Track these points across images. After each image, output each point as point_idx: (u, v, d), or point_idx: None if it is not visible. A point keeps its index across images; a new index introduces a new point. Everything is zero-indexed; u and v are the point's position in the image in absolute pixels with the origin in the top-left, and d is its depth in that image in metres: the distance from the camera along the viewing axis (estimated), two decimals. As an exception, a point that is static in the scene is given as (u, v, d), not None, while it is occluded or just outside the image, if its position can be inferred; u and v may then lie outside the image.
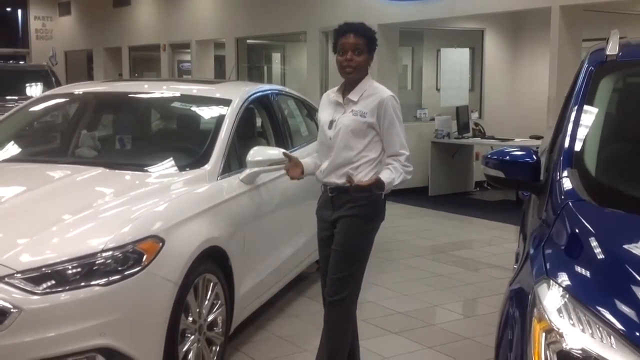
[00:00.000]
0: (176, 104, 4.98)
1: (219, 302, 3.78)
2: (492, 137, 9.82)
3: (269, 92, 5.22)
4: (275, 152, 4.31)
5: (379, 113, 3.37)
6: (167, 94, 5.05)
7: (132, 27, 15.86)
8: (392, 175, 3.34)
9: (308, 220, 5.30)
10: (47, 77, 13.63)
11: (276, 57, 15.40)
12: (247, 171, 4.20)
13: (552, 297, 1.90)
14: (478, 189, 10.48)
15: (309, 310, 5.07)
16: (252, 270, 4.22)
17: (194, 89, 5.07)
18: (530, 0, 7.83)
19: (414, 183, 8.34)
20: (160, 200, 3.55)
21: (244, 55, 13.07)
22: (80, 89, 5.33)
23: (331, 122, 3.45)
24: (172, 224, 3.43)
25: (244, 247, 4.08)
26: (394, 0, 9.33)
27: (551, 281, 1.93)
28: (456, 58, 10.51)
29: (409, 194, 8.87)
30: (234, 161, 4.29)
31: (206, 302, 3.65)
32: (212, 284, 3.70)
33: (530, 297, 1.98)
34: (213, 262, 3.70)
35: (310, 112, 6.06)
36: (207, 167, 4.00)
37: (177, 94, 4.96)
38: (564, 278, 1.94)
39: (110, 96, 5.11)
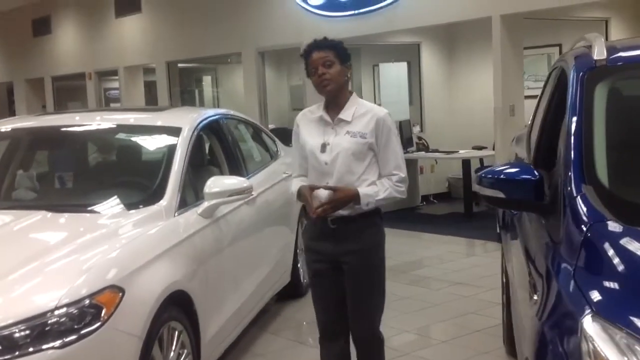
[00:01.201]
0: (120, 135, 4.61)
1: (185, 351, 3.43)
2: (437, 150, 9.74)
3: (218, 117, 4.91)
4: (233, 182, 4.01)
5: (377, 132, 3.22)
6: (107, 125, 4.67)
7: (54, 56, 15.21)
8: (375, 189, 3.19)
9: (268, 250, 5.03)
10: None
11: (207, 79, 15.04)
12: (206, 204, 3.88)
13: (606, 334, 1.67)
14: (424, 203, 10.35)
15: (272, 347, 4.77)
16: (217, 311, 3.88)
17: (140, 118, 4.72)
18: (470, 11, 7.75)
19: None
20: (115, 245, 3.18)
21: (175, 79, 12.66)
22: (6, 125, 4.88)
23: (323, 146, 3.22)
24: (131, 270, 3.07)
25: (208, 287, 3.74)
26: (331, 17, 9.14)
27: (601, 317, 1.70)
28: (394, 72, 10.39)
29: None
30: (190, 194, 3.96)
31: (172, 353, 3.29)
32: (177, 332, 3.34)
33: (578, 335, 1.73)
34: (177, 308, 3.35)
35: (259, 135, 5.77)
36: (162, 202, 3.66)
37: (123, 124, 4.58)
38: (614, 312, 1.72)
39: (44, 131, 4.68)
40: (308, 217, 3.35)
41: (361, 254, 3.23)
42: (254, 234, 4.60)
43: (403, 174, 3.26)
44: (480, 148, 9.90)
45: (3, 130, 4.78)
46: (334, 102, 3.25)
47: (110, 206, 3.62)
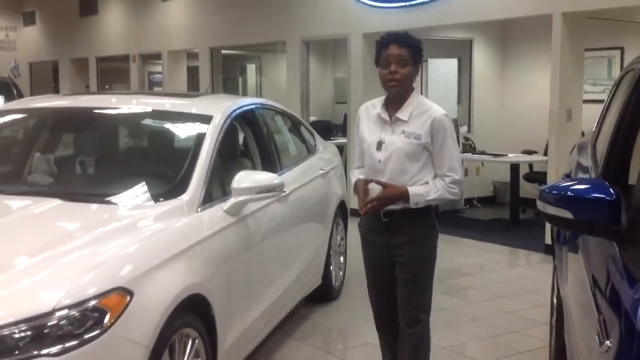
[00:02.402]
0: (148, 121, 4.32)
1: (199, 360, 3.13)
2: (484, 153, 9.30)
3: (254, 106, 4.59)
4: (264, 178, 3.69)
5: (432, 133, 3.19)
6: (138, 109, 4.40)
7: (100, 37, 15.11)
8: (426, 189, 3.19)
9: (300, 250, 4.71)
10: (8, 90, 12.88)
11: (251, 68, 14.78)
12: (232, 200, 3.57)
13: None
14: (467, 206, 9.93)
15: (297, 356, 4.46)
16: (238, 317, 3.57)
17: (169, 104, 4.43)
18: (529, 7, 7.30)
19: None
20: (128, 241, 2.89)
21: (218, 66, 12.40)
22: (37, 103, 4.67)
23: (379, 143, 3.24)
24: (143, 271, 2.78)
25: (229, 291, 3.44)
26: (380, 8, 8.76)
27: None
28: (444, 69, 9.98)
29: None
30: (217, 188, 3.66)
31: (184, 363, 3.00)
32: (190, 339, 3.04)
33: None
34: (192, 313, 3.05)
35: (297, 128, 5.44)
36: (185, 196, 3.36)
37: (150, 110, 4.29)
38: None
39: (71, 112, 4.42)
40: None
41: (411, 245, 3.26)
42: (284, 233, 4.28)
43: (457, 176, 3.24)
44: (530, 152, 9.44)
45: (32, 108, 4.55)
46: (395, 100, 3.24)
47: (129, 198, 3.34)
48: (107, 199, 3.33)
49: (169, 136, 4.17)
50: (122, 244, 2.86)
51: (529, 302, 5.58)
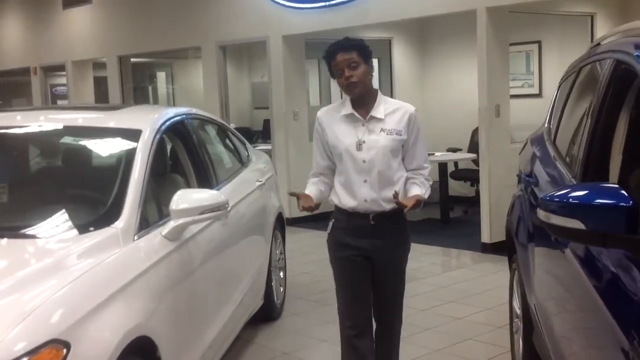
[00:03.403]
0: (67, 140, 3.86)
1: (147, 409, 2.74)
2: (410, 153, 9.14)
3: (183, 117, 4.20)
4: (206, 196, 3.32)
5: (409, 128, 3.30)
6: (52, 126, 3.92)
7: (-3, 49, 14.20)
8: (422, 191, 3.29)
9: (243, 271, 4.35)
10: None
11: (161, 76, 14.23)
12: (172, 224, 3.18)
13: None
14: (417, 210, 9.74)
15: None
16: (186, 352, 3.19)
17: (90, 118, 3.99)
18: (453, 3, 7.17)
19: (327, 207, 7.52)
20: (57, 283, 2.46)
21: (127, 75, 11.79)
22: None
23: (359, 144, 3.25)
24: (79, 318, 2.37)
25: (175, 326, 3.06)
26: (299, 9, 8.47)
27: None
28: (364, 69, 9.78)
29: (322, 220, 8.00)
30: (152, 211, 3.27)
31: (129, 416, 2.60)
32: (137, 386, 2.65)
33: None
34: (137, 357, 2.66)
35: (229, 137, 5.07)
36: (119, 223, 2.95)
37: (68, 126, 3.82)
38: None
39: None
40: (339, 212, 3.36)
41: (395, 247, 3.36)
42: (226, 254, 3.93)
43: (430, 166, 3.43)
44: (454, 150, 9.38)
45: None
46: (361, 101, 3.27)
47: (52, 229, 2.90)
48: (27, 232, 2.89)
49: (94, 155, 3.73)
50: (51, 287, 2.44)
51: (477, 306, 5.41)
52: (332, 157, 3.35)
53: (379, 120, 3.24)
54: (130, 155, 3.35)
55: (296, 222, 8.19)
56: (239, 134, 5.33)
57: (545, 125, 3.93)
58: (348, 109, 3.27)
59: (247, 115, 12.38)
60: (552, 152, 3.35)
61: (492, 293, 5.72)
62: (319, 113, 3.40)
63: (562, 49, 8.87)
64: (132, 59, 11.82)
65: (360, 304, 3.40)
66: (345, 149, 3.25)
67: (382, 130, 3.23)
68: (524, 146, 4.23)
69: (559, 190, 1.99)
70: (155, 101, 13.83)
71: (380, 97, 3.30)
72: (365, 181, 3.23)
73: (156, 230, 3.16)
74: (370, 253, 3.31)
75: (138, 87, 13.07)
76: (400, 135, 3.25)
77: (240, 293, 4.19)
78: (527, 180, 3.54)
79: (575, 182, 2.68)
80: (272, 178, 5.37)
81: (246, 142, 5.37)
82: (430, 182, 3.37)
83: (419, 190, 3.27)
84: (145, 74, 13.79)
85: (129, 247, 2.90)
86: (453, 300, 5.57)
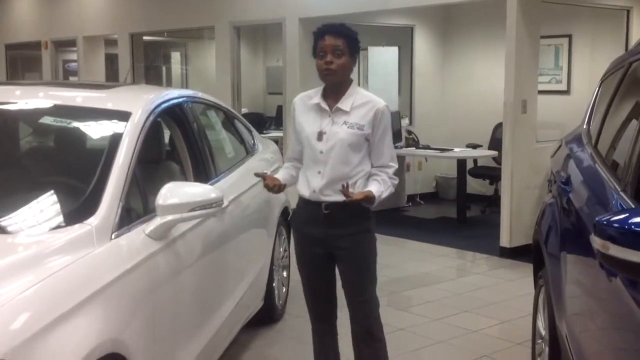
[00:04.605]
0: (48, 120, 3.46)
1: None
2: (428, 147, 8.73)
3: (182, 99, 3.80)
4: (198, 191, 2.94)
5: (374, 123, 3.20)
6: (38, 104, 3.51)
7: (9, 22, 13.84)
8: (380, 189, 3.19)
9: (241, 272, 3.97)
10: None
11: (176, 56, 13.82)
12: (158, 221, 2.81)
13: None
14: (410, 204, 9.36)
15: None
16: (167, 367, 2.83)
17: (78, 97, 3.60)
18: (481, -10, 6.74)
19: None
20: (9, 292, 2.09)
21: (139, 53, 11.39)
22: None
23: (320, 134, 3.21)
24: (32, 334, 2.00)
25: (155, 338, 2.68)
26: (317, -9, 8.06)
27: None
28: (384, 58, 9.36)
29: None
30: (137, 204, 2.89)
31: None
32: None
33: None
34: (107, 377, 2.29)
35: (233, 124, 4.69)
36: (94, 219, 2.57)
37: (51, 105, 3.41)
38: None
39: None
40: (299, 199, 3.34)
41: (353, 238, 3.25)
42: (223, 253, 3.56)
43: (397, 165, 3.32)
44: (474, 146, 8.94)
45: None
46: (334, 90, 3.22)
47: (16, 223, 2.53)
48: (-11, 225, 2.51)
49: (75, 139, 3.34)
50: (4, 293, 2.07)
51: (494, 318, 5.01)
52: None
53: (345, 112, 3.19)
54: (115, 140, 2.97)
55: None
56: (245, 120, 4.94)
57: (584, 127, 3.52)
58: (318, 97, 3.24)
59: (261, 101, 11.98)
60: (593, 159, 2.94)
61: (510, 304, 5.32)
62: (296, 98, 3.38)
63: (594, 44, 8.40)
64: (144, 37, 11.44)
65: (317, 297, 3.42)
66: (306, 138, 3.23)
67: (344, 122, 3.18)
68: (558, 148, 3.81)
69: (617, 214, 1.59)
70: (169, 82, 13.44)
71: (353, 89, 3.22)
72: (319, 172, 3.20)
73: (140, 227, 2.78)
74: (327, 243, 3.26)
75: (151, 67, 12.70)
76: (362, 130, 3.17)
77: (238, 295, 3.81)
78: (563, 187, 3.12)
79: (625, 196, 2.28)
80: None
81: (253, 130, 4.98)
82: (396, 182, 3.27)
83: (377, 187, 3.17)
84: (158, 53, 13.39)
85: (104, 248, 2.52)
86: (468, 310, 5.17)
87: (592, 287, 2.49)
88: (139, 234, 2.76)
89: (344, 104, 3.19)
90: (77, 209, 2.63)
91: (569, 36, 8.60)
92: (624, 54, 3.31)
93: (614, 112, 2.97)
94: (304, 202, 3.33)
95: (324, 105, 3.22)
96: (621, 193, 2.32)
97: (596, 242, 1.60)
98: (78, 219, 2.55)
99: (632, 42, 7.64)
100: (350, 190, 3.09)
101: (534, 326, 3.73)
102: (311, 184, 3.24)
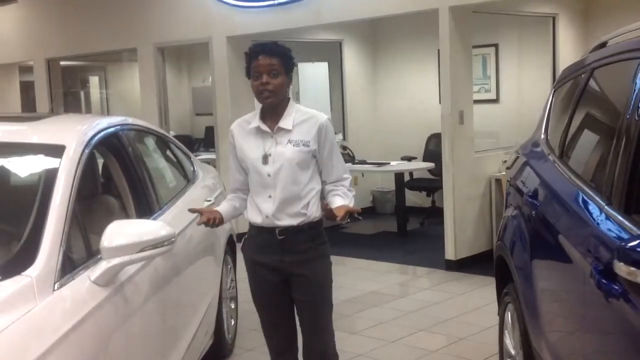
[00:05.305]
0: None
1: None
2: (364, 162, 8.62)
3: (117, 128, 3.51)
4: (147, 229, 2.67)
5: (320, 139, 3.12)
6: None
7: None
8: (346, 201, 3.09)
9: (192, 310, 3.70)
10: None
11: (94, 80, 13.32)
12: (104, 265, 2.52)
13: None
14: (349, 220, 9.10)
15: None
16: None
17: (3, 131, 3.27)
18: (412, 3, 6.66)
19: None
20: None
21: (57, 80, 10.87)
22: None
23: (265, 157, 3.11)
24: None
25: (108, 397, 2.40)
26: (245, 8, 7.83)
27: None
28: (314, 73, 9.23)
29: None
30: (78, 247, 2.61)
31: None
32: None
33: None
34: None
35: (172, 151, 4.42)
36: (33, 270, 2.28)
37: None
38: None
39: None
40: (250, 228, 3.24)
41: (309, 264, 3.15)
42: (172, 294, 3.27)
43: (350, 176, 3.24)
44: (409, 159, 8.88)
45: None
46: (272, 111, 3.14)
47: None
48: None
49: (2, 178, 3.00)
50: None
51: (451, 335, 4.88)
52: (246, 171, 3.22)
53: (287, 131, 3.11)
54: (50, 177, 2.67)
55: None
56: (182, 145, 4.67)
57: (542, 136, 3.42)
58: (257, 121, 3.14)
59: (188, 123, 11.64)
60: (561, 171, 2.82)
61: (464, 319, 5.21)
62: (233, 125, 3.27)
63: (520, 52, 8.49)
64: (62, 62, 10.94)
65: (275, 328, 3.29)
66: (251, 164, 3.13)
67: (289, 141, 3.10)
68: (515, 159, 3.70)
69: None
70: (88, 107, 12.93)
71: (292, 106, 3.15)
72: (269, 196, 3.10)
73: (84, 273, 2.50)
74: (283, 270, 3.14)
75: (69, 93, 12.18)
76: (308, 146, 3.09)
77: (189, 335, 3.54)
78: (531, 201, 3.00)
79: (611, 210, 2.15)
80: (222, 195, 4.72)
81: (191, 155, 4.72)
82: (353, 193, 3.18)
83: (343, 201, 3.08)
84: (75, 78, 12.88)
85: (47, 302, 2.23)
86: (423, 329, 5.02)
87: (578, 304, 2.35)
88: (84, 282, 2.47)
89: (285, 122, 3.12)
90: (13, 259, 2.34)
91: (496, 45, 8.66)
92: (580, 60, 3.22)
93: (581, 121, 2.87)
94: (256, 229, 3.21)
95: (264, 127, 3.13)
96: (607, 207, 2.20)
97: (621, 269, 1.45)
98: (15, 270, 2.25)
99: (560, 48, 7.76)
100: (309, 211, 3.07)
101: (501, 345, 3.60)
102: (263, 209, 3.13)
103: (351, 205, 3.07)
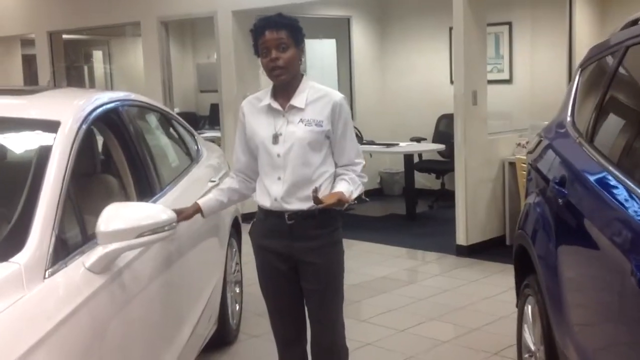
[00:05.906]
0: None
1: None
2: (372, 142, 8.41)
3: (117, 103, 3.31)
4: (147, 212, 2.49)
5: (333, 118, 2.93)
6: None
7: None
8: (350, 188, 2.91)
9: (195, 297, 3.52)
10: None
11: (98, 55, 13.12)
12: (100, 251, 2.34)
13: None
14: (356, 202, 8.95)
15: None
16: None
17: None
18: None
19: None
20: None
21: (59, 53, 10.65)
22: None
23: (275, 137, 2.94)
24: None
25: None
26: (252, -19, 7.60)
27: None
28: (322, 51, 9.00)
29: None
30: (73, 231, 2.42)
31: None
32: None
33: None
34: None
35: (175, 129, 4.22)
36: (21, 256, 2.09)
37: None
38: None
39: None
40: (259, 211, 3.07)
41: (321, 252, 2.97)
42: (173, 280, 3.10)
43: (364, 161, 3.06)
44: (418, 140, 8.69)
45: None
46: (284, 88, 2.96)
47: None
48: None
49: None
50: None
51: (463, 325, 4.70)
52: (254, 151, 3.04)
53: (299, 110, 2.93)
54: (43, 155, 2.48)
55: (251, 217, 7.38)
56: (187, 124, 4.47)
57: (568, 119, 3.21)
58: (268, 98, 2.97)
59: (192, 100, 11.44)
60: (596, 157, 2.62)
61: (477, 307, 5.04)
62: (243, 102, 3.10)
63: (534, 31, 8.24)
64: (64, 36, 10.73)
65: (282, 317, 3.14)
66: (261, 142, 2.96)
67: (300, 120, 2.92)
68: (539, 142, 3.49)
69: None
70: (92, 82, 12.74)
71: (305, 83, 2.96)
72: (279, 178, 2.94)
73: (78, 259, 2.32)
74: (292, 257, 2.98)
75: (72, 67, 11.98)
76: (321, 126, 2.90)
77: (193, 321, 3.37)
78: (558, 189, 2.80)
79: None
80: (227, 176, 4.53)
81: (195, 134, 4.53)
82: (365, 179, 3.02)
83: (346, 187, 2.89)
84: (79, 52, 12.67)
85: (37, 291, 2.05)
86: (434, 318, 4.85)
87: (614, 302, 2.17)
88: (78, 268, 2.29)
89: (298, 100, 2.94)
90: (1, 243, 2.15)
91: (509, 23, 8.42)
92: (608, 38, 3.01)
93: (616, 103, 2.67)
94: (264, 213, 3.05)
95: (276, 105, 2.96)
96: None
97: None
98: (2, 256, 2.07)
99: (576, 28, 7.50)
100: (320, 194, 2.81)
101: (519, 339, 3.42)
102: (271, 192, 2.96)
103: (356, 192, 2.92)
